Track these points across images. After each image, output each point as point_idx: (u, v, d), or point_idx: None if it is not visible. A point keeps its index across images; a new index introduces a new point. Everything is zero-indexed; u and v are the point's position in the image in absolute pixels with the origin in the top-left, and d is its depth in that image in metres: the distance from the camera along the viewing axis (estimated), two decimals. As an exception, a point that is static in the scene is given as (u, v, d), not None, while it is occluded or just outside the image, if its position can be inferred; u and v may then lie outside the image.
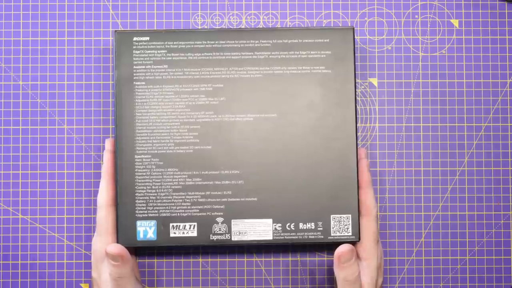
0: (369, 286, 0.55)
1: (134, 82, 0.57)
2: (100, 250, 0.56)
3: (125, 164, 0.57)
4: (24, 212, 0.61)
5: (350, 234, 0.57)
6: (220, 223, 0.57)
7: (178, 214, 0.57)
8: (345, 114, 0.57)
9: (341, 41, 0.58)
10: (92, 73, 0.62)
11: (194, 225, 0.57)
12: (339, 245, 0.61)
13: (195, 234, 0.57)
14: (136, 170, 0.57)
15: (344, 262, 0.54)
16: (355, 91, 0.57)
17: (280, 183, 0.57)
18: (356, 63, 0.61)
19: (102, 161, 0.60)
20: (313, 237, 0.57)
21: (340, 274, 0.54)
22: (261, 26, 0.62)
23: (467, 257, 0.62)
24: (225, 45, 0.58)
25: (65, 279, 0.61)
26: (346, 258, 0.53)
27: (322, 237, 0.57)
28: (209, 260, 0.62)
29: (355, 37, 0.62)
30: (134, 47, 0.57)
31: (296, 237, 0.57)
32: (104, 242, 0.56)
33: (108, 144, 0.58)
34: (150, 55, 0.57)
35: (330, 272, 0.62)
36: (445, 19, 0.63)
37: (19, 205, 0.61)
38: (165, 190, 0.57)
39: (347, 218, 0.57)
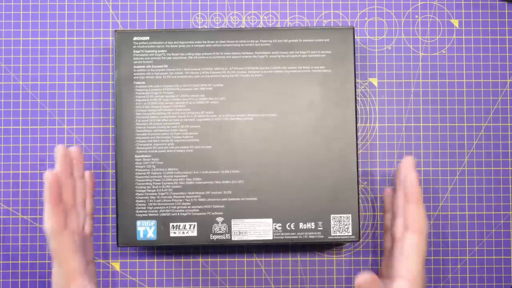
0: None
1: (134, 82, 0.57)
2: (64, 279, 0.52)
3: (125, 164, 0.57)
4: (24, 212, 0.61)
5: (350, 234, 0.57)
6: (220, 222, 0.57)
7: (178, 214, 0.57)
8: (345, 114, 0.57)
9: (341, 41, 0.58)
10: (92, 73, 0.62)
11: (194, 225, 0.57)
12: (339, 244, 0.61)
13: (195, 234, 0.57)
14: (136, 170, 0.57)
15: None
16: (355, 91, 0.57)
17: (280, 183, 0.57)
18: (356, 63, 0.61)
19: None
20: (313, 237, 0.57)
21: None
22: (261, 26, 0.62)
23: (467, 257, 0.62)
24: (225, 44, 0.58)
25: (65, 279, 0.61)
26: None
27: (322, 237, 0.57)
28: (209, 260, 0.62)
29: (355, 37, 0.62)
30: (134, 46, 0.58)
31: (296, 237, 0.57)
32: (67, 271, 0.52)
33: (57, 157, 0.54)
34: (150, 54, 0.57)
35: (330, 272, 0.62)
36: (445, 19, 0.63)
37: (19, 205, 0.61)
38: (165, 190, 0.57)
39: (347, 218, 0.57)
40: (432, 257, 0.62)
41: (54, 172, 0.51)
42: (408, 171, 0.53)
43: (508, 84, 0.63)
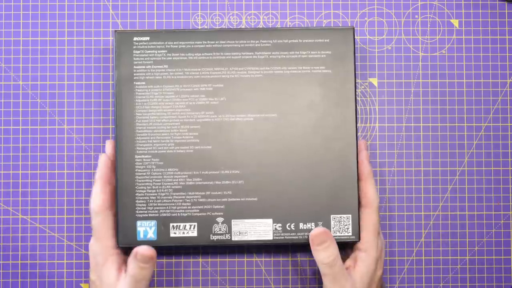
0: (365, 276, 0.56)
1: (134, 82, 0.57)
2: (101, 254, 0.56)
3: (125, 164, 0.57)
4: (24, 212, 0.61)
5: (350, 234, 0.57)
6: (220, 223, 0.57)
7: (178, 214, 0.57)
8: (345, 114, 0.57)
9: (341, 41, 0.58)
10: (92, 73, 0.62)
11: (194, 225, 0.57)
12: (341, 245, 0.61)
13: (195, 234, 0.57)
14: (136, 170, 0.57)
15: (318, 245, 0.55)
16: (355, 91, 0.57)
17: (280, 183, 0.57)
18: (356, 63, 0.61)
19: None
20: (313, 237, 0.57)
21: (316, 257, 0.55)
22: (261, 26, 0.62)
23: (467, 257, 0.62)
24: (226, 45, 0.58)
25: (65, 279, 0.61)
26: (320, 240, 0.55)
27: (322, 237, 0.57)
28: (209, 260, 0.62)
29: (355, 37, 0.62)
30: (134, 47, 0.57)
31: (296, 237, 0.57)
32: (104, 247, 0.56)
33: (108, 147, 0.58)
34: (150, 55, 0.57)
35: (330, 272, 0.62)
36: (445, 19, 0.63)
37: (19, 205, 0.61)
38: (165, 190, 0.57)
39: (347, 218, 0.57)
40: (432, 257, 0.62)
41: (107, 153, 0.58)
42: (359, 152, 0.58)
43: (508, 84, 0.63)
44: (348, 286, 0.55)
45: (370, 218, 0.57)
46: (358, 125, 0.62)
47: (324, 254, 0.55)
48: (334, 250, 0.55)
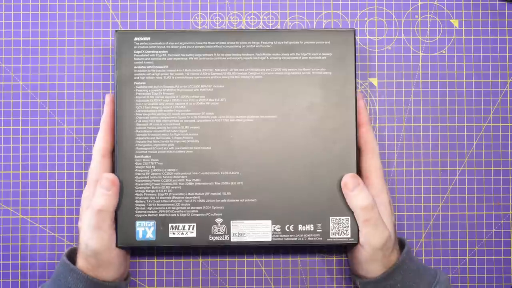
0: (386, 218, 0.56)
1: (134, 82, 0.57)
2: (86, 198, 0.56)
3: (124, 164, 0.57)
4: (24, 212, 0.61)
5: (349, 236, 0.57)
6: (219, 224, 0.57)
7: (177, 215, 0.57)
8: (345, 116, 0.57)
9: (342, 43, 0.58)
10: (92, 73, 0.62)
11: (193, 226, 0.57)
12: (338, 247, 0.62)
13: (194, 234, 0.57)
14: (135, 170, 0.57)
15: (353, 189, 0.55)
16: (356, 94, 0.57)
17: (280, 185, 0.57)
18: (356, 63, 0.60)
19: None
20: (312, 239, 0.57)
21: (354, 202, 0.56)
22: (261, 26, 0.62)
23: (467, 257, 0.62)
24: (226, 46, 0.57)
25: (65, 279, 0.61)
26: (353, 183, 0.55)
27: (321, 239, 0.57)
28: (209, 260, 0.62)
29: (355, 37, 0.62)
30: (135, 47, 0.57)
31: (295, 238, 0.57)
32: (91, 192, 0.56)
33: (108, 97, 0.58)
34: (151, 55, 0.57)
35: (330, 272, 0.62)
36: (445, 19, 0.63)
37: (19, 205, 0.61)
38: (164, 191, 0.57)
39: (346, 220, 0.57)
40: (432, 257, 0.62)
41: (110, 106, 0.58)
42: (357, 101, 0.58)
43: (508, 84, 0.63)
44: (387, 232, 0.55)
45: (373, 163, 0.57)
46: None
47: (362, 196, 0.55)
48: (368, 192, 0.56)
